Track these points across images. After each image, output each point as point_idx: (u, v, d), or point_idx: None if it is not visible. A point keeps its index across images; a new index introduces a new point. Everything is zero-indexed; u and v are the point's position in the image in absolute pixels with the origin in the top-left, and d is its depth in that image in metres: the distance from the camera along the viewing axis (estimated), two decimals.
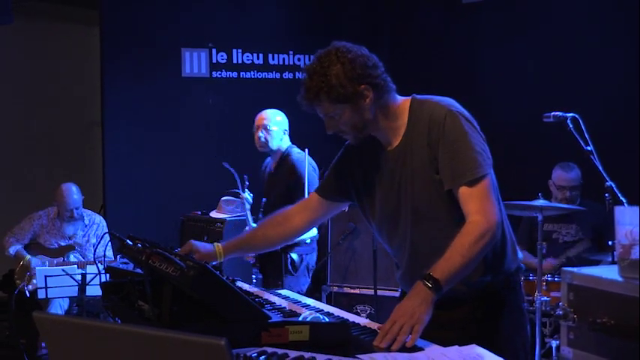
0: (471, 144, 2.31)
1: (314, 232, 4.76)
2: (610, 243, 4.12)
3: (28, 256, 5.85)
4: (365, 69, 2.35)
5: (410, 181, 2.41)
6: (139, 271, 2.30)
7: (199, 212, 6.26)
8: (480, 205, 2.29)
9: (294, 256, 4.72)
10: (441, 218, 2.39)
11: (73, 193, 6.01)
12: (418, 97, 2.47)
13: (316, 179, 4.81)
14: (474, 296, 2.40)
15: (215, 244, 2.68)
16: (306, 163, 4.88)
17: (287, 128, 4.93)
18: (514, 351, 2.42)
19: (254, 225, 4.66)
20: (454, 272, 2.22)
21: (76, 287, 5.15)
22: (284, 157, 4.88)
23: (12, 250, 5.92)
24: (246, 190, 4.78)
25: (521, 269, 2.57)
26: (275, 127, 4.86)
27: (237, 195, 4.90)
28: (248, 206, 4.72)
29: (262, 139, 4.84)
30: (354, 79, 2.33)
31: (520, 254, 2.55)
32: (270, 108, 6.95)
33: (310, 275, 4.93)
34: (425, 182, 2.37)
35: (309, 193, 4.74)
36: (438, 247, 2.37)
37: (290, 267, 4.72)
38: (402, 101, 2.47)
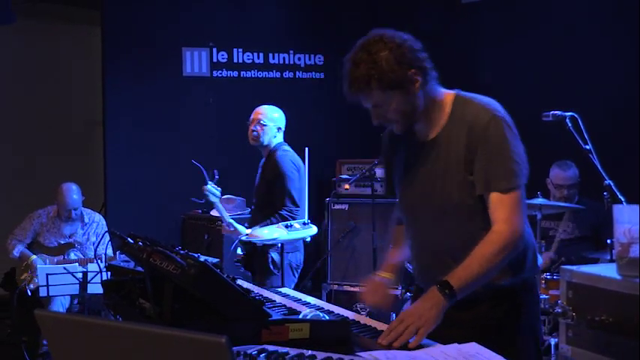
0: (512, 153, 2.30)
1: (314, 230, 4.75)
2: (609, 241, 4.14)
3: (34, 256, 5.86)
4: (413, 53, 2.32)
5: (440, 177, 2.39)
6: (140, 269, 2.31)
7: (200, 211, 6.28)
8: (507, 215, 2.28)
9: (274, 255, 4.68)
10: (462, 220, 2.37)
11: (72, 193, 6.02)
12: (462, 93, 2.44)
13: (297, 178, 4.76)
14: (489, 296, 2.37)
15: (382, 274, 2.64)
16: (305, 162, 4.88)
17: (282, 126, 4.90)
18: (527, 351, 2.40)
19: (231, 220, 4.62)
20: (470, 281, 2.22)
21: (78, 285, 5.16)
22: (270, 154, 4.84)
23: (16, 251, 5.92)
24: (210, 183, 4.65)
25: (539, 273, 2.56)
26: (270, 122, 4.82)
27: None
28: (215, 199, 4.62)
29: (254, 134, 4.81)
30: (404, 64, 2.29)
31: (540, 260, 2.54)
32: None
33: (297, 274, 4.88)
34: (455, 181, 2.35)
35: (289, 194, 4.74)
36: (452, 248, 2.38)
37: (271, 266, 4.68)
38: (445, 94, 2.44)
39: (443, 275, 2.29)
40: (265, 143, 4.84)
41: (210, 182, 4.63)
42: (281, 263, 4.67)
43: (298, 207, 4.74)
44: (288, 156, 4.81)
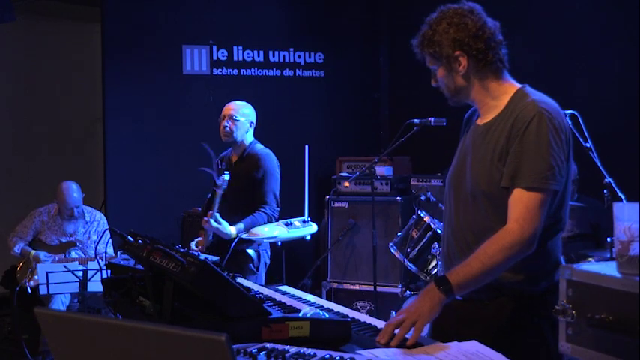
0: (547, 154, 2.24)
1: (314, 228, 4.74)
2: (608, 239, 4.13)
3: (34, 251, 5.87)
4: (466, 37, 2.36)
5: (477, 162, 2.39)
6: (140, 267, 2.31)
7: (200, 209, 6.28)
8: (522, 214, 2.24)
9: (251, 252, 4.62)
10: (485, 210, 2.36)
11: (72, 191, 6.02)
12: (527, 89, 2.43)
13: (278, 177, 4.71)
14: (511, 290, 2.35)
15: None
16: (305, 160, 4.87)
17: (254, 121, 4.82)
18: (547, 349, 2.35)
19: (217, 214, 4.48)
20: (470, 278, 2.21)
21: (78, 283, 5.17)
22: (249, 151, 4.77)
23: (17, 248, 5.94)
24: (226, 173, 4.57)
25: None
26: (242, 117, 4.74)
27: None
28: (222, 189, 4.50)
29: (227, 129, 4.71)
30: (455, 43, 2.36)
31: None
32: (271, 105, 6.97)
33: (266, 272, 4.80)
34: (488, 170, 2.34)
35: (274, 193, 4.70)
36: (471, 236, 2.37)
37: (251, 265, 4.62)
38: (509, 85, 2.44)
39: (459, 261, 2.30)
40: (239, 139, 4.75)
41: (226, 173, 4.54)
42: (258, 262, 4.64)
43: (279, 208, 4.70)
44: (271, 155, 4.76)
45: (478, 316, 2.32)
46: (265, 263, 4.72)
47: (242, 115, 4.76)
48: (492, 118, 2.41)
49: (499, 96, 2.41)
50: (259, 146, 4.81)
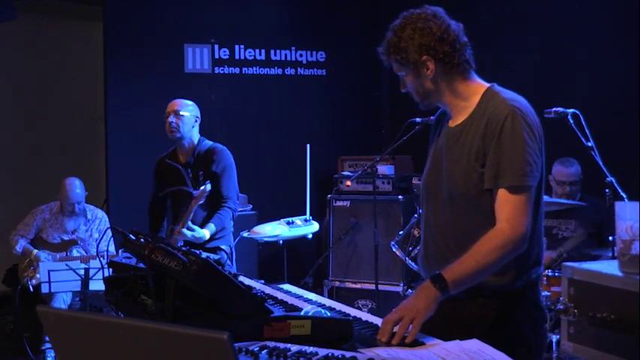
0: (524, 152, 2.27)
1: (315, 227, 4.74)
2: (610, 238, 4.13)
3: (36, 251, 5.87)
4: (432, 41, 2.36)
5: (452, 163, 2.41)
6: (141, 265, 2.31)
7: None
8: (511, 214, 2.26)
9: (225, 247, 4.64)
10: (464, 211, 2.38)
11: (75, 187, 6.03)
12: (496, 87, 2.44)
13: (235, 170, 4.69)
14: (490, 290, 2.36)
15: None
16: (307, 159, 4.88)
17: (199, 117, 4.80)
18: (526, 345, 2.38)
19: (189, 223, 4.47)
20: (465, 277, 2.22)
21: (79, 282, 5.17)
22: (202, 147, 4.74)
23: (19, 247, 5.94)
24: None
25: (541, 274, 2.53)
26: (186, 112, 4.72)
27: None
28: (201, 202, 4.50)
29: (173, 125, 4.67)
30: (421, 48, 2.36)
31: (541, 269, 2.50)
32: (272, 103, 6.98)
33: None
34: (465, 171, 2.36)
35: (236, 189, 4.70)
36: (450, 237, 2.40)
37: (228, 260, 4.63)
38: (478, 85, 2.45)
39: (439, 263, 2.32)
40: (186, 135, 4.72)
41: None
42: (232, 256, 4.65)
43: (239, 201, 4.70)
44: (226, 149, 4.73)
45: (459, 315, 2.33)
46: (234, 257, 4.76)
47: (186, 110, 4.74)
48: (464, 119, 2.42)
49: (469, 97, 2.43)
50: (209, 142, 4.79)
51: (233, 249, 4.75)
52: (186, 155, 4.77)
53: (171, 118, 4.70)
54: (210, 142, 4.78)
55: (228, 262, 4.65)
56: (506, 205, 2.27)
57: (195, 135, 4.77)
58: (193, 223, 4.48)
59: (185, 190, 4.60)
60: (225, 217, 4.56)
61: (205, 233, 4.46)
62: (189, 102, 4.82)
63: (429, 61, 2.36)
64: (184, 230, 4.42)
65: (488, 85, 2.46)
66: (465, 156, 2.37)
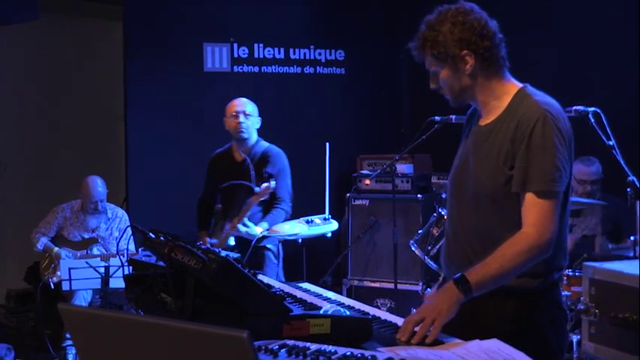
0: (554, 157, 2.25)
1: (335, 225, 4.74)
2: (632, 238, 4.10)
3: (56, 249, 5.92)
4: (473, 36, 2.35)
5: (480, 164, 2.39)
6: (161, 263, 2.32)
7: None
8: (538, 219, 2.25)
9: (272, 246, 4.68)
10: (489, 212, 2.37)
11: (97, 185, 6.08)
12: (528, 88, 2.43)
13: (290, 174, 4.76)
14: (509, 290, 2.34)
15: None
16: (326, 157, 4.87)
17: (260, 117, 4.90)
18: (547, 346, 2.37)
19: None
20: (489, 279, 2.21)
21: (100, 279, 5.20)
22: (258, 148, 4.81)
23: (40, 244, 5.98)
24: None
25: (562, 274, 2.52)
26: (254, 113, 4.83)
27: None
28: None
29: (243, 125, 4.76)
30: (461, 42, 2.34)
31: (566, 263, 2.48)
32: (291, 102, 6.98)
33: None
34: (492, 172, 2.34)
35: (289, 190, 4.73)
36: (474, 239, 2.39)
37: (274, 259, 4.68)
38: (510, 85, 2.44)
39: (460, 262, 2.33)
40: (251, 135, 4.82)
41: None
42: (279, 255, 4.69)
43: (292, 204, 4.75)
44: (282, 152, 4.82)
45: (479, 314, 2.31)
46: (281, 256, 4.81)
47: (253, 111, 4.84)
48: (494, 119, 2.41)
49: (501, 96, 2.41)
50: (265, 143, 4.86)
51: (280, 249, 4.78)
52: (242, 153, 4.84)
53: (242, 118, 4.77)
54: (267, 144, 4.87)
55: (274, 260, 4.69)
56: (534, 210, 2.26)
57: (254, 135, 4.86)
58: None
59: (241, 186, 4.65)
60: (278, 217, 4.61)
61: (258, 231, 4.49)
62: (252, 102, 4.91)
63: (468, 56, 2.35)
64: (239, 225, 4.46)
65: (521, 85, 2.44)
66: (493, 156, 2.35)
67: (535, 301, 2.37)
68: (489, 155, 2.36)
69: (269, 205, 4.67)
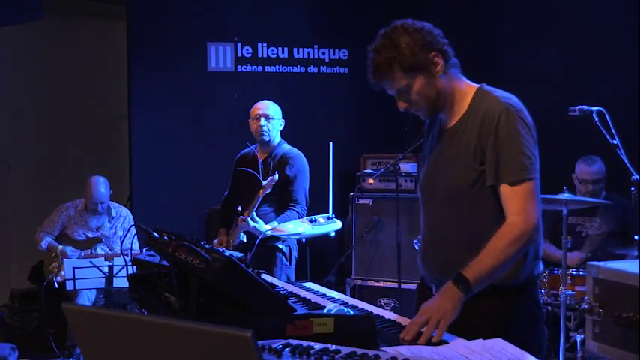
0: (521, 146, 2.31)
1: (338, 225, 4.74)
2: (636, 237, 4.10)
3: (61, 246, 5.93)
4: (432, 37, 2.39)
5: (450, 164, 2.43)
6: (165, 263, 2.32)
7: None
8: (520, 206, 2.29)
9: (283, 247, 4.67)
10: (465, 210, 2.40)
11: (100, 187, 6.07)
12: (485, 87, 2.48)
13: (308, 177, 4.77)
14: (491, 287, 2.34)
15: None
16: (330, 157, 4.87)
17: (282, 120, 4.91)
18: (527, 345, 2.37)
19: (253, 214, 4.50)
20: (485, 274, 2.24)
21: (104, 279, 5.21)
22: (279, 150, 4.82)
23: (44, 243, 6.00)
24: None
25: (541, 272, 2.54)
26: (276, 116, 4.83)
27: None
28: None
29: (264, 128, 4.77)
30: (425, 46, 2.37)
31: (541, 265, 2.51)
32: (295, 102, 6.97)
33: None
34: (463, 169, 2.38)
35: (305, 193, 4.74)
36: (452, 238, 2.42)
37: (285, 260, 4.67)
38: (468, 85, 2.48)
39: (439, 264, 2.39)
40: (273, 138, 4.83)
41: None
42: (290, 256, 4.69)
43: (307, 207, 4.76)
44: (302, 155, 4.83)
45: (463, 313, 2.31)
46: (295, 257, 4.79)
47: (276, 114, 4.84)
48: (458, 120, 2.45)
49: (463, 97, 2.46)
50: (287, 146, 4.88)
51: (293, 249, 4.77)
52: (264, 155, 4.86)
53: (263, 122, 4.78)
54: (288, 147, 4.88)
55: (285, 262, 4.68)
56: (514, 199, 2.30)
57: (277, 137, 4.87)
58: (260, 217, 4.53)
59: (255, 184, 4.65)
60: (290, 218, 4.61)
61: (266, 228, 4.50)
62: (276, 105, 4.91)
63: (436, 57, 2.38)
64: (248, 219, 4.47)
65: (477, 85, 2.49)
66: (461, 155, 2.40)
67: (514, 298, 2.40)
68: (458, 154, 2.41)
69: (285, 208, 4.68)
